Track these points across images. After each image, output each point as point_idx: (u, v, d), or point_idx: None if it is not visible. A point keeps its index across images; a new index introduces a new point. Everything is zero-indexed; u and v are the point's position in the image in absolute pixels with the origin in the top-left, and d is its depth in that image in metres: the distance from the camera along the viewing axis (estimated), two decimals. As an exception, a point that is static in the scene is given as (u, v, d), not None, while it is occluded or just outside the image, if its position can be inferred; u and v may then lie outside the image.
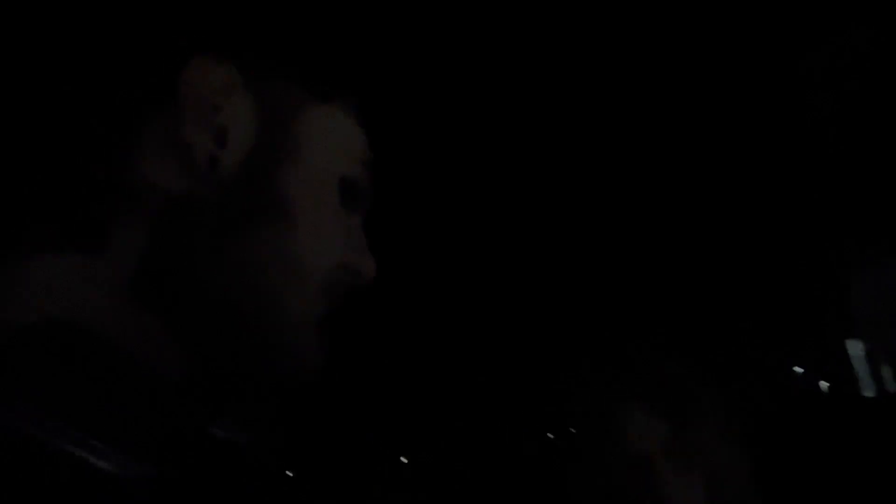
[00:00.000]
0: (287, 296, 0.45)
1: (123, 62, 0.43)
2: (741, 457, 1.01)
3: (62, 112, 0.42)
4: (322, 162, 0.48)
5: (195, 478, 0.43)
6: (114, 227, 0.42)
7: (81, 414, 0.36)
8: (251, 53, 0.47)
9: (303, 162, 0.47)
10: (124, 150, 0.42)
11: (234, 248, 0.43)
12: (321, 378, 0.48)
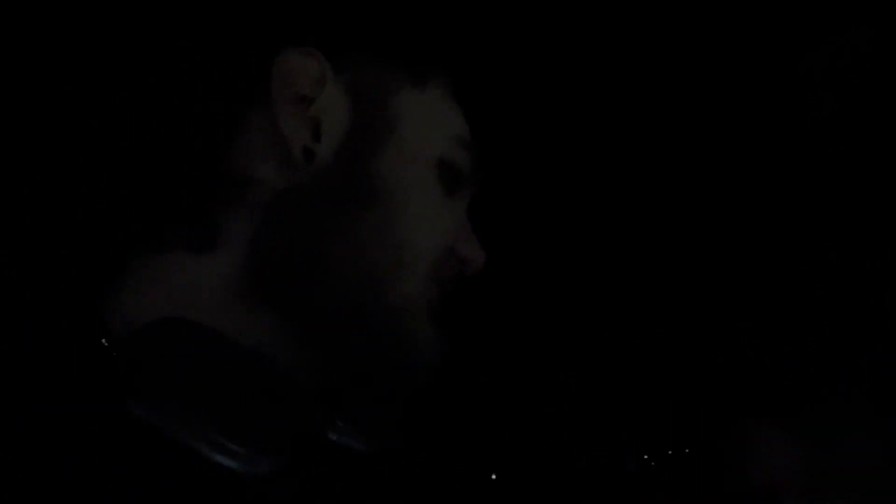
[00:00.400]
0: (395, 281, 0.45)
1: (217, 59, 0.44)
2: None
3: (165, 112, 0.42)
4: (419, 145, 0.48)
5: (312, 478, 0.44)
6: (220, 224, 0.43)
7: (203, 410, 0.37)
8: (341, 42, 0.47)
9: (399, 146, 0.47)
10: (224, 148, 0.43)
11: (338, 237, 0.44)
12: (439, 374, 0.48)
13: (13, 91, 0.45)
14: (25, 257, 0.44)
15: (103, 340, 0.39)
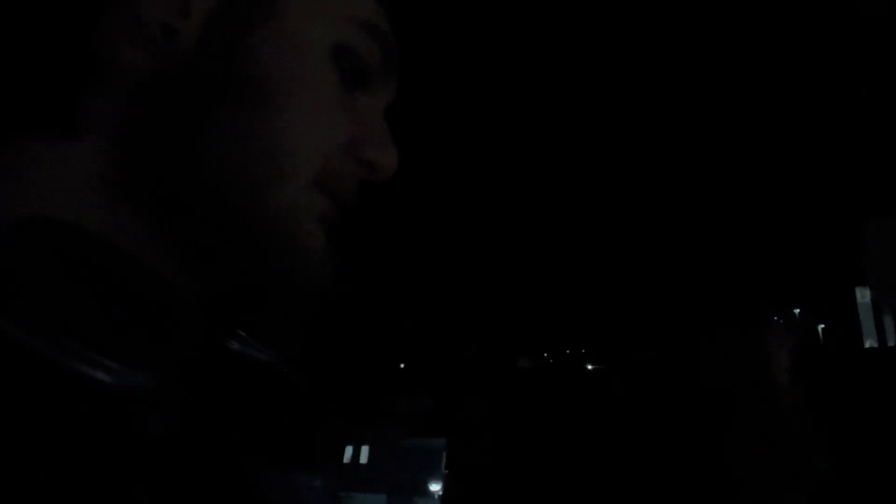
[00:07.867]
0: (274, 187, 0.40)
1: None
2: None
3: None
4: (306, 26, 0.41)
5: (199, 388, 0.40)
6: (87, 109, 0.38)
7: (73, 321, 0.34)
8: None
9: (279, 27, 0.40)
10: (88, 24, 0.38)
11: (207, 133, 0.38)
12: (336, 284, 0.44)
13: None
14: None
15: None
